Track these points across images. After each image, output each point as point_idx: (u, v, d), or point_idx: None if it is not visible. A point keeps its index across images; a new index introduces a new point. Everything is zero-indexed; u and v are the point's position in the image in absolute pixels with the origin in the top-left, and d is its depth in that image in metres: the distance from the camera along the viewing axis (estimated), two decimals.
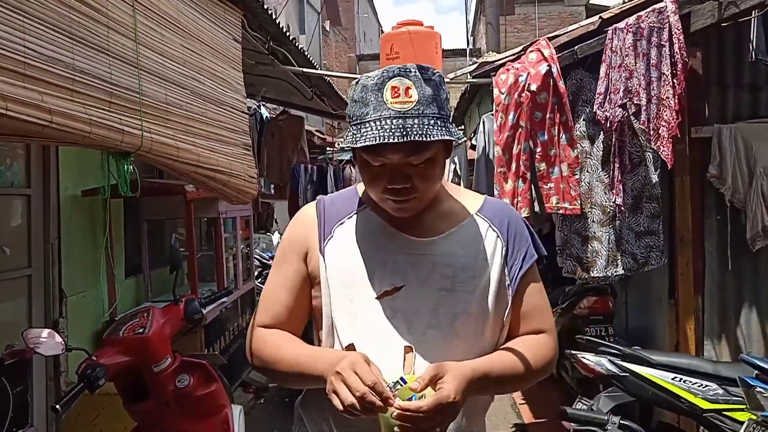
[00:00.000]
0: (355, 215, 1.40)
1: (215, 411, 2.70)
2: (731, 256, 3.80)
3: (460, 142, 1.18)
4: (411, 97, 1.19)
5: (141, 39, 2.21)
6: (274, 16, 4.27)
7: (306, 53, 5.16)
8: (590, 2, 19.74)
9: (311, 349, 1.32)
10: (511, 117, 3.73)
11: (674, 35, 3.18)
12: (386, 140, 1.16)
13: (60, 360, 3.92)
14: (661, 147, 3.24)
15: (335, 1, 22.32)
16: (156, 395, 2.56)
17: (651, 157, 3.66)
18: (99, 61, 1.90)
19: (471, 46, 19.99)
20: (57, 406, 2.23)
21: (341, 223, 1.39)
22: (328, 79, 6.29)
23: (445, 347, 1.27)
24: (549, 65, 3.63)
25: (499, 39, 7.25)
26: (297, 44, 4.85)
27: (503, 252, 1.36)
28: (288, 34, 4.68)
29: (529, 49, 3.91)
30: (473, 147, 5.31)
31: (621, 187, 3.56)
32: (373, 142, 1.17)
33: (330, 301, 1.33)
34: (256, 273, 6.78)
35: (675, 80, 3.19)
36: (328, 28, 20.85)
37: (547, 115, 3.70)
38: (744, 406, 2.69)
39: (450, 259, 1.32)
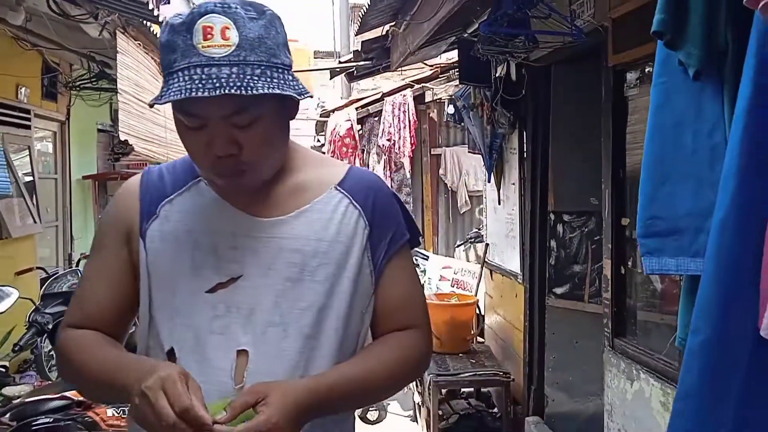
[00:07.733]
0: (186, 190, 1.11)
1: None
2: (451, 215, 7.39)
3: (302, 97, 0.99)
4: (229, 39, 0.92)
5: (167, 116, 5.24)
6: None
7: None
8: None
9: (123, 354, 1.06)
10: (331, 147, 7.12)
11: (410, 105, 6.60)
12: (192, 94, 0.89)
13: None
14: (403, 160, 6.69)
15: None
16: None
17: (407, 164, 7.14)
18: (161, 131, 4.94)
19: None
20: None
21: (169, 200, 1.10)
22: None
23: (290, 349, 1.03)
24: (350, 120, 7.08)
25: (350, 93, 10.35)
26: None
27: (366, 233, 1.10)
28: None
29: (345, 109, 7.35)
30: None
31: (391, 179, 6.99)
32: (176, 97, 0.90)
33: (149, 296, 1.07)
34: None
35: (410, 128, 6.62)
36: None
37: (349, 145, 7.14)
38: None
39: (299, 243, 1.06)
